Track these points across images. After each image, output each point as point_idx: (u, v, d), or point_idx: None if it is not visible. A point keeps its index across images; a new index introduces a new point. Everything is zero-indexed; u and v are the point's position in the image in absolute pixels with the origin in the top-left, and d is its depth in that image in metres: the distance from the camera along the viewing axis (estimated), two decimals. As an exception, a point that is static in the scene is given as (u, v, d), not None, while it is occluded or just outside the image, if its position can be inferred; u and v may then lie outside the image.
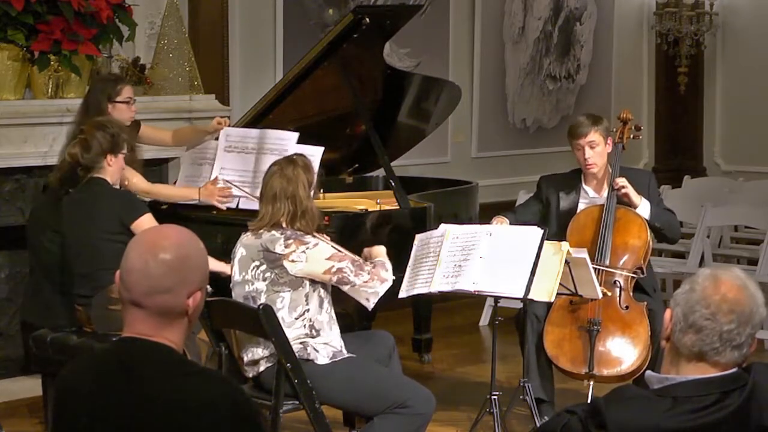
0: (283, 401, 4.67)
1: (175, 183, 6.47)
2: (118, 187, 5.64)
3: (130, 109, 6.09)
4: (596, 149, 5.83)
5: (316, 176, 4.95)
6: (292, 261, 4.72)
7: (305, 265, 4.72)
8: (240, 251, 4.88)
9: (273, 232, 4.78)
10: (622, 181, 5.80)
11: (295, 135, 6.08)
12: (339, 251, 4.83)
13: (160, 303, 2.57)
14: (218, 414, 2.49)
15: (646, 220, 5.82)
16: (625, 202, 5.83)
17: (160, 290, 2.56)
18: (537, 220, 5.89)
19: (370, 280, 4.79)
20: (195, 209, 6.15)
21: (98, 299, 5.43)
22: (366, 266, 4.82)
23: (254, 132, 6.25)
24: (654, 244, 6.07)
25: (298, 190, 4.80)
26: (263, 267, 4.78)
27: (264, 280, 4.78)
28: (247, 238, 4.88)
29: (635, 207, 5.82)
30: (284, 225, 4.80)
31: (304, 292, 4.77)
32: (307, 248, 4.73)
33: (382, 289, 4.83)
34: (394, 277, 4.97)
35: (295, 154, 5.09)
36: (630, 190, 5.80)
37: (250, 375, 4.90)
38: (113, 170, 5.56)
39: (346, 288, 4.79)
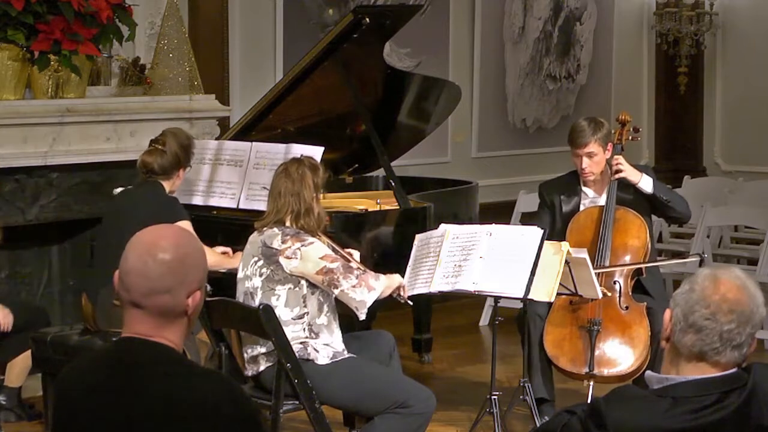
0: (283, 401, 4.67)
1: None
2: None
3: None
4: (594, 158, 5.82)
5: (322, 178, 4.96)
6: (287, 258, 4.73)
7: (299, 263, 4.73)
8: (245, 248, 4.92)
9: (275, 228, 4.80)
10: (619, 160, 5.78)
11: (251, 144, 6.11)
12: (334, 254, 4.83)
13: (160, 303, 2.56)
14: (218, 414, 2.49)
15: (651, 193, 5.77)
16: (625, 186, 5.81)
17: (159, 291, 2.55)
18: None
19: (358, 285, 4.74)
20: (194, 209, 6.16)
21: (105, 294, 5.44)
22: (356, 271, 4.80)
23: (212, 143, 6.35)
24: (656, 244, 6.06)
25: (303, 189, 4.83)
26: (261, 263, 4.80)
27: (260, 276, 4.79)
28: (252, 235, 4.91)
29: (635, 183, 5.79)
30: (288, 223, 4.82)
31: (301, 293, 4.77)
32: (303, 245, 4.74)
33: (371, 297, 4.76)
34: (391, 292, 4.94)
35: (302, 155, 5.12)
36: (626, 171, 5.77)
37: (250, 374, 4.90)
38: (178, 182, 5.66)
39: (336, 292, 4.76)
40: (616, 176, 5.78)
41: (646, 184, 5.79)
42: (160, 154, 5.57)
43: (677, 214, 5.95)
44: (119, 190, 5.94)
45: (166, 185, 5.60)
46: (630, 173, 5.78)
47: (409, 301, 5.18)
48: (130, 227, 5.20)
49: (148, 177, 5.61)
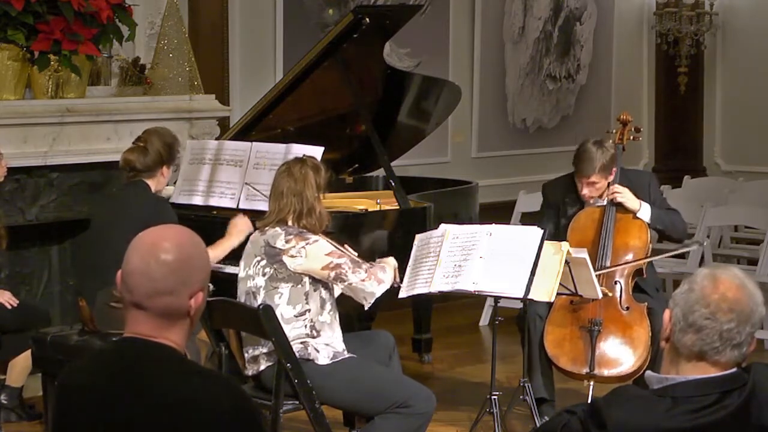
0: (283, 401, 4.68)
1: (175, 183, 6.47)
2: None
3: (1, 165, 6.10)
4: (596, 186, 5.83)
5: (324, 178, 4.97)
6: (292, 256, 4.74)
7: (304, 260, 4.74)
8: (247, 247, 4.92)
9: (277, 228, 4.82)
10: (616, 189, 5.79)
11: (251, 144, 6.11)
12: (339, 249, 4.85)
13: (163, 304, 2.56)
14: (218, 414, 2.49)
15: (648, 223, 5.82)
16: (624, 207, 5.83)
17: (162, 292, 2.55)
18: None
19: (367, 278, 4.79)
20: (194, 209, 6.16)
21: (102, 296, 5.44)
22: (364, 265, 4.83)
23: (212, 143, 6.34)
24: (655, 244, 6.07)
25: (305, 189, 4.84)
26: (263, 262, 4.80)
27: (263, 275, 4.80)
28: (254, 235, 4.93)
29: (635, 212, 5.81)
30: (290, 222, 4.83)
31: (304, 290, 4.78)
32: (307, 244, 4.75)
33: (380, 290, 4.82)
34: (392, 281, 4.98)
35: (305, 155, 5.13)
36: (626, 198, 5.78)
37: (250, 373, 4.90)
38: (163, 180, 5.64)
39: (343, 286, 4.80)
40: (614, 199, 5.78)
41: (644, 214, 5.81)
42: (142, 151, 5.57)
43: (673, 240, 6.14)
44: None
45: (151, 184, 5.59)
46: (629, 200, 5.79)
47: (400, 283, 5.20)
48: (120, 231, 5.25)
49: (132, 176, 5.61)
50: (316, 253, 4.76)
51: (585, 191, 5.84)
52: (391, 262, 5.08)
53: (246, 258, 4.93)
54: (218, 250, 5.50)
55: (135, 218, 5.32)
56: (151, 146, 5.57)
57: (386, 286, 4.86)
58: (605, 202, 5.85)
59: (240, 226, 5.55)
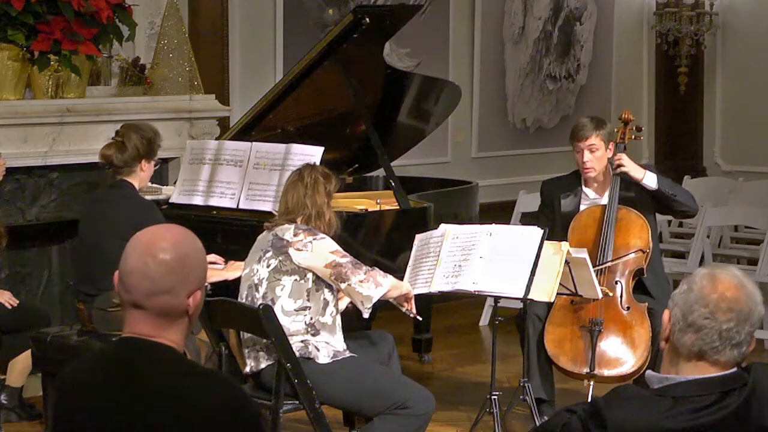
0: (283, 401, 4.68)
1: (175, 183, 6.47)
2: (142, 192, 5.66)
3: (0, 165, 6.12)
4: (596, 153, 5.81)
5: (335, 187, 4.99)
6: (298, 249, 4.77)
7: (309, 255, 4.76)
8: (252, 249, 4.95)
9: (286, 224, 4.85)
10: (620, 160, 5.77)
11: (251, 144, 6.10)
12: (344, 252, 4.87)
13: (161, 304, 2.56)
14: (218, 414, 2.49)
15: (656, 189, 5.75)
16: (628, 185, 5.79)
17: (160, 291, 2.55)
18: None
19: (366, 280, 4.79)
20: (194, 209, 6.16)
21: (100, 301, 5.44)
22: (364, 267, 4.84)
23: (212, 143, 6.33)
24: (661, 244, 6.05)
25: (315, 196, 4.87)
26: (269, 254, 4.83)
27: (268, 266, 4.82)
28: (261, 235, 4.96)
29: (639, 180, 5.76)
30: (299, 222, 4.86)
31: (306, 286, 4.79)
32: (314, 239, 4.79)
33: (377, 293, 4.80)
34: (394, 290, 4.96)
35: (316, 163, 5.19)
36: (630, 167, 5.76)
37: (249, 371, 4.90)
38: (144, 176, 5.57)
39: (343, 286, 4.80)
40: (618, 170, 5.76)
41: (650, 180, 5.76)
42: (119, 147, 5.52)
43: (684, 208, 5.88)
44: None
45: (134, 181, 5.54)
46: (632, 169, 5.76)
47: (419, 317, 5.19)
48: (110, 238, 5.24)
49: (114, 174, 5.57)
50: (321, 249, 4.78)
51: (587, 159, 5.79)
52: (404, 286, 5.09)
53: (251, 256, 4.95)
54: (215, 273, 5.44)
55: (124, 225, 5.26)
56: (128, 141, 5.51)
57: (384, 290, 4.84)
58: (606, 201, 5.85)
59: (238, 264, 5.48)
